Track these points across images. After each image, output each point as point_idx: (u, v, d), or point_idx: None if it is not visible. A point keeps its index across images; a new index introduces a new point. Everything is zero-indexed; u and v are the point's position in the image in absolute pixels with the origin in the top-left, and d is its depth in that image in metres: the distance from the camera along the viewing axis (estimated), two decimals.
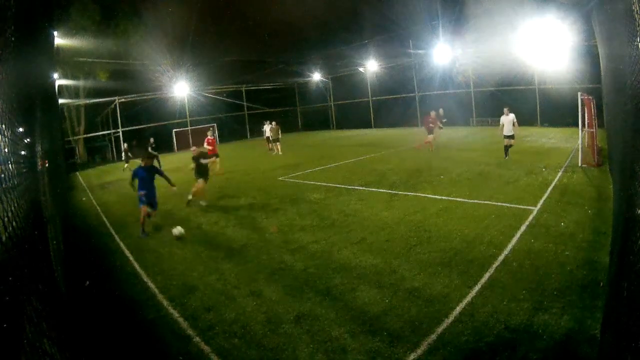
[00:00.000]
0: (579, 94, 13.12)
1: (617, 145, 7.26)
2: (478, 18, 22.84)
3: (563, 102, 20.50)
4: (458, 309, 4.98)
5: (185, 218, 10.90)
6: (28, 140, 3.97)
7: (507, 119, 14.53)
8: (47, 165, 7.36)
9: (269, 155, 23.13)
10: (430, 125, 18.05)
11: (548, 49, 21.68)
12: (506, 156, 14.51)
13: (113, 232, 10.37)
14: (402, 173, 13.63)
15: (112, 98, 30.79)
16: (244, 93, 39.12)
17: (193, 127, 35.12)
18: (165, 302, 6.03)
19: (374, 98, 35.73)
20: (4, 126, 2.43)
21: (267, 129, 25.65)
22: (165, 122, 33.55)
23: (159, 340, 5.07)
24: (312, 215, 9.94)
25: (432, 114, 18.44)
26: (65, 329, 3.60)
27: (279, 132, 23.49)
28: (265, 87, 40.10)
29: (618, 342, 2.56)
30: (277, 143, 23.21)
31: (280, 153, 22.66)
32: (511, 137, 14.50)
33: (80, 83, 29.16)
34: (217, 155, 17.01)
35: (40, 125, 6.32)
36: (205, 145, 17.24)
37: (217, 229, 9.64)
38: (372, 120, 35.43)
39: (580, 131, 13.31)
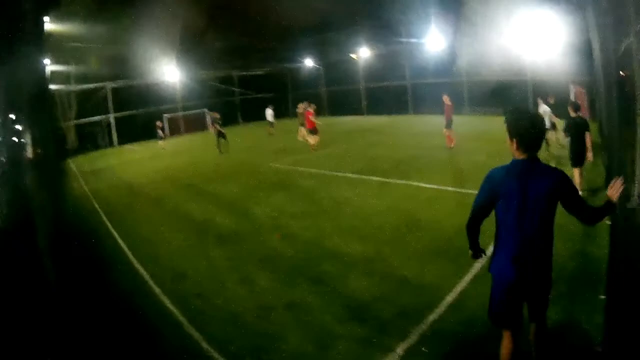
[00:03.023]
0: (571, 85, 13.10)
1: (609, 138, 7.32)
2: (473, 7, 22.76)
3: (556, 93, 20.46)
4: (449, 298, 5.01)
5: (175, 206, 10.90)
6: (17, 127, 3.95)
7: (541, 110, 12.66)
8: (37, 152, 7.31)
9: (263, 140, 23.34)
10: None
11: (542, 41, 21.63)
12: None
13: (105, 220, 10.35)
14: (392, 161, 13.60)
15: (102, 84, 30.53)
16: (235, 78, 38.90)
17: (185, 113, 35.02)
18: (156, 289, 6.05)
19: (366, 85, 35.55)
20: None
21: (269, 113, 26.86)
22: (156, 108, 33.14)
23: (149, 327, 5.10)
24: (302, 201, 9.96)
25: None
26: (54, 319, 3.62)
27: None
28: (257, 73, 39.71)
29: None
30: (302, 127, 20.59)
31: (301, 139, 20.65)
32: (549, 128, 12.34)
33: (71, 69, 28.87)
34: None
35: (30, 113, 6.26)
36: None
37: (207, 215, 9.65)
38: (364, 107, 35.28)
39: None
